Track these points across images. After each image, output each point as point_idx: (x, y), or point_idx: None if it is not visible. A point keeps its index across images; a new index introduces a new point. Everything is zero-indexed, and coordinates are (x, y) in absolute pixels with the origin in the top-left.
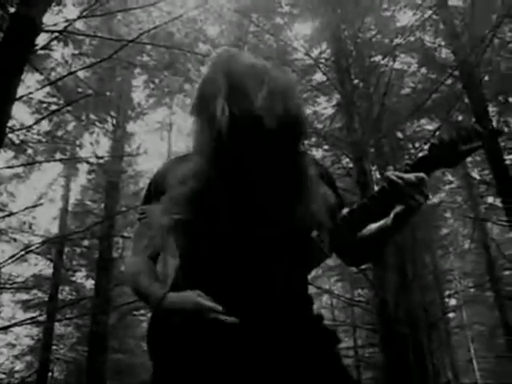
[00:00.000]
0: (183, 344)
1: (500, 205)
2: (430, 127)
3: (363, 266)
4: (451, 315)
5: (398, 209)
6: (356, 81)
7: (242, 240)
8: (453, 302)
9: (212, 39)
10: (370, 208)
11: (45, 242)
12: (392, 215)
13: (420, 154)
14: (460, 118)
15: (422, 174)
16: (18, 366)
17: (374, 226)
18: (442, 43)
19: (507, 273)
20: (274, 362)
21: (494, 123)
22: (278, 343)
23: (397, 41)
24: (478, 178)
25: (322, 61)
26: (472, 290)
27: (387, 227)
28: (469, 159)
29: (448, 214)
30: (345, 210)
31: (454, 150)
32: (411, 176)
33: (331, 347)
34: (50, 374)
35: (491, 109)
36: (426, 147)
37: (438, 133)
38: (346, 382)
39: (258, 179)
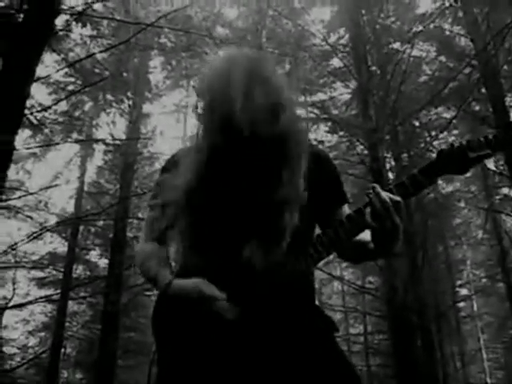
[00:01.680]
0: (184, 332)
1: None
2: (446, 115)
3: None
4: (462, 305)
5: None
6: (373, 68)
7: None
8: (464, 291)
9: (230, 23)
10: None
11: (60, 222)
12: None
13: (430, 160)
14: (477, 107)
15: (397, 198)
16: (32, 341)
17: (362, 241)
18: (461, 32)
19: None
20: (271, 348)
21: None
22: (276, 330)
23: (416, 28)
24: (493, 168)
25: (340, 47)
26: (483, 280)
27: (370, 248)
28: None
29: (462, 204)
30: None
31: (464, 157)
32: (387, 196)
33: (328, 334)
34: (62, 350)
35: (509, 99)
36: (436, 154)
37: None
38: (342, 369)
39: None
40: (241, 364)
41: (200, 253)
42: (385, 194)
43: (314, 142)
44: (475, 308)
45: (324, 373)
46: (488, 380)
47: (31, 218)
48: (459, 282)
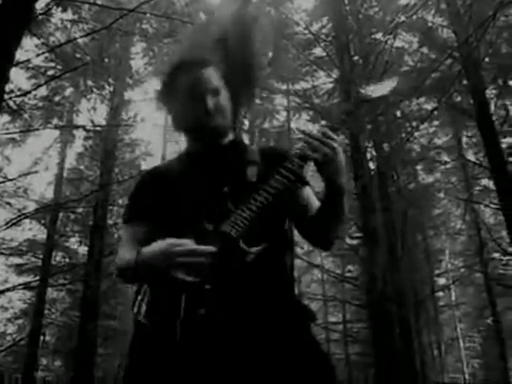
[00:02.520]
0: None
1: (493, 187)
2: (428, 106)
3: (353, 242)
4: (440, 294)
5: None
6: (356, 57)
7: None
8: (442, 281)
9: (212, 10)
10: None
11: (39, 209)
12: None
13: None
14: (458, 99)
15: (324, 129)
16: (11, 328)
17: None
18: (444, 23)
19: (497, 255)
20: (245, 336)
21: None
22: (244, 320)
23: (398, 19)
24: (473, 159)
25: (323, 36)
26: (462, 270)
27: (324, 198)
28: (464, 140)
29: (441, 194)
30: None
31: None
32: (314, 130)
33: (303, 322)
34: (41, 337)
35: (489, 91)
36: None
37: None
38: (315, 359)
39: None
40: (206, 357)
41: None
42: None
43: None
44: (453, 297)
45: (296, 362)
46: (465, 368)
47: (10, 204)
48: (438, 272)
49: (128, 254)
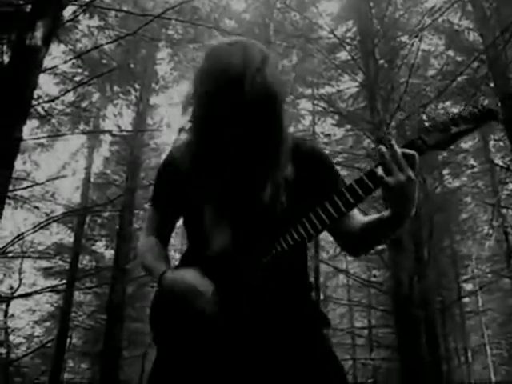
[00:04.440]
0: (171, 327)
1: None
2: (454, 110)
3: (379, 247)
4: (466, 300)
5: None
6: (381, 61)
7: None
8: (469, 286)
9: (237, 15)
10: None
11: (67, 213)
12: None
13: (411, 138)
14: (485, 102)
15: (410, 151)
16: (38, 331)
17: (373, 217)
18: (470, 26)
19: None
20: (251, 344)
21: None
22: (259, 324)
23: (424, 21)
24: (500, 163)
25: (347, 40)
26: (489, 276)
27: (384, 218)
28: (492, 144)
29: (468, 199)
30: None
31: (446, 133)
32: (399, 150)
33: (318, 330)
34: (68, 340)
35: None
36: (417, 131)
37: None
38: (326, 365)
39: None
40: (221, 360)
41: (200, 242)
42: (396, 148)
43: (321, 136)
44: (480, 303)
45: (306, 368)
46: (492, 376)
47: (38, 208)
48: (464, 277)
49: (149, 254)
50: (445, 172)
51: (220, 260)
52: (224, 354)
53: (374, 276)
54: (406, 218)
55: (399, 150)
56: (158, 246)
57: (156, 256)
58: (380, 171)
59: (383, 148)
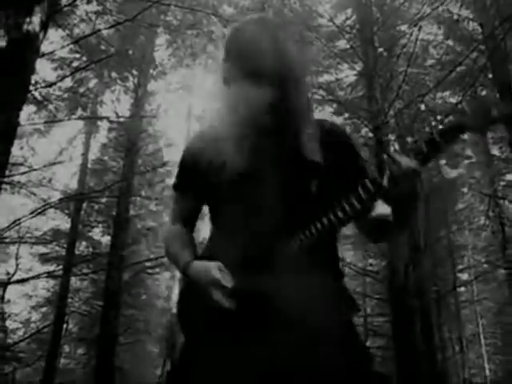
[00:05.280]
0: (194, 318)
1: None
2: (453, 100)
3: None
4: (461, 289)
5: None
6: (380, 50)
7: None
8: (464, 276)
9: (236, 1)
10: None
11: (64, 198)
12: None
13: (448, 119)
14: (483, 92)
15: (412, 164)
16: (34, 316)
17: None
18: (470, 15)
19: None
20: (288, 325)
21: None
22: (294, 306)
23: (424, 10)
24: (497, 154)
25: (347, 28)
26: (484, 266)
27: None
28: (489, 135)
29: (465, 189)
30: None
31: (487, 115)
32: (404, 160)
33: (346, 316)
34: (64, 325)
35: None
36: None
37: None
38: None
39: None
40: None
41: (227, 234)
42: (401, 158)
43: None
44: (475, 293)
45: (334, 356)
46: (486, 365)
47: (35, 194)
48: (460, 267)
49: (175, 242)
50: (442, 162)
51: (254, 243)
52: (247, 346)
53: (370, 265)
54: (405, 225)
55: (403, 160)
56: (183, 233)
57: (181, 244)
58: (385, 180)
59: (389, 156)
